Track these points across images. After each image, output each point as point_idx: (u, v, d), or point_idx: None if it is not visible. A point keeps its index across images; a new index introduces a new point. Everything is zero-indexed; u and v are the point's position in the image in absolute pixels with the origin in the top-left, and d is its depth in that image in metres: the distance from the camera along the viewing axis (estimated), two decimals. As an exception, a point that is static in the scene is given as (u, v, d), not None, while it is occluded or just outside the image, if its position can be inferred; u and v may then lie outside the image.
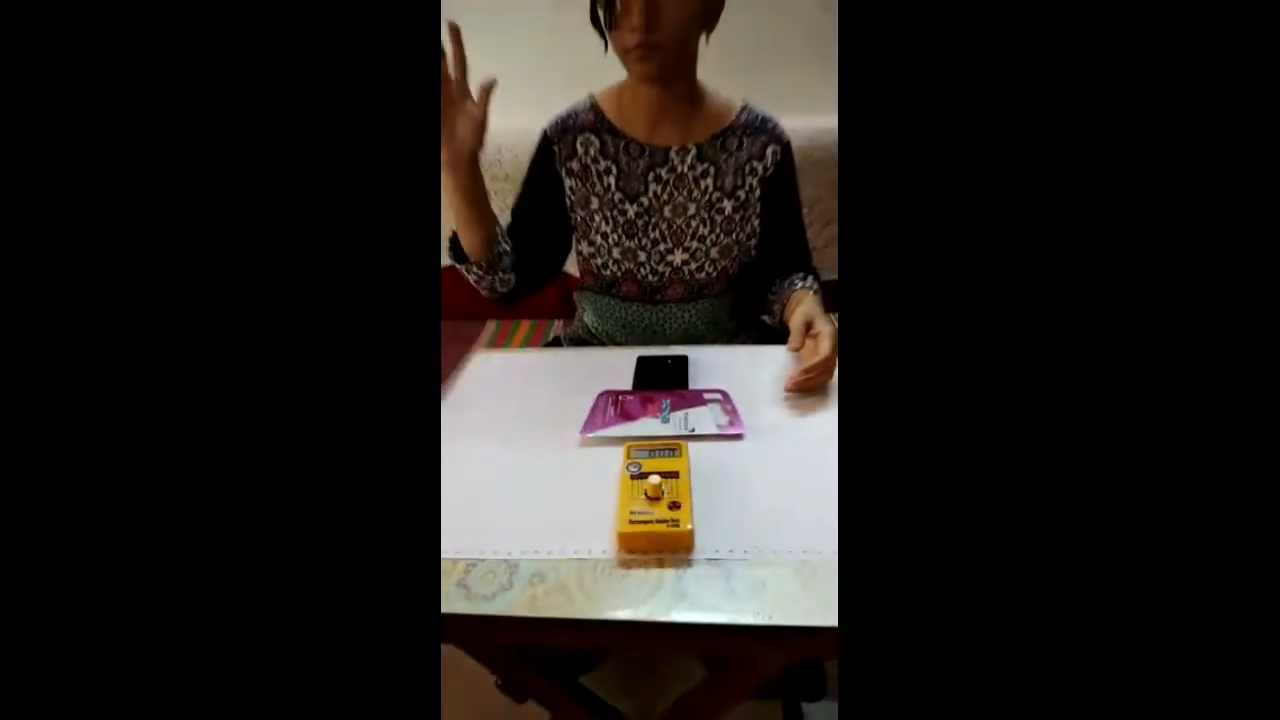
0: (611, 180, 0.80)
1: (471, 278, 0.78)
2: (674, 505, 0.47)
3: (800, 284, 0.78)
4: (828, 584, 0.42)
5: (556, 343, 0.94)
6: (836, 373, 0.65)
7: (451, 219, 0.73)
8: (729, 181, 0.80)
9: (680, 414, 0.61)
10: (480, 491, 0.53)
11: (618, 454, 0.53)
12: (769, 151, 0.80)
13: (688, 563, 0.45)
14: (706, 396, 0.64)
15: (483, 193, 0.71)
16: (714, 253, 0.82)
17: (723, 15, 0.74)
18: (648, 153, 0.79)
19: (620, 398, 0.65)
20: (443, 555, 0.46)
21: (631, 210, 0.80)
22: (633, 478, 0.49)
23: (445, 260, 0.70)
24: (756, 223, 0.82)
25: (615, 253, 0.83)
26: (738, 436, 0.58)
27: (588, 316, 0.91)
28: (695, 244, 0.82)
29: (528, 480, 0.54)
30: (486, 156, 1.18)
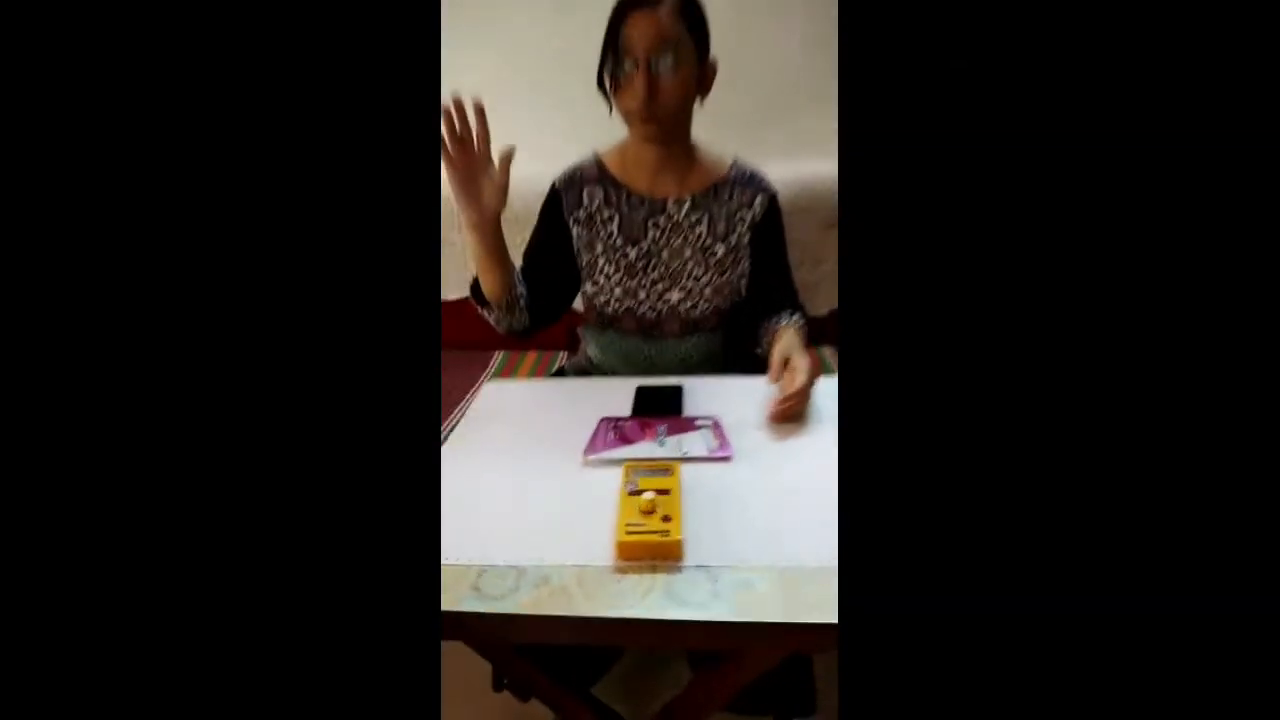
0: (614, 227, 0.87)
1: (491, 318, 0.86)
2: (666, 518, 0.52)
3: (785, 320, 0.86)
4: (808, 589, 0.47)
5: (561, 373, 1.02)
6: (834, 395, 0.69)
7: (473, 267, 0.81)
8: (721, 228, 0.87)
9: (675, 438, 0.67)
10: (492, 505, 0.59)
11: (617, 474, 0.59)
12: (757, 201, 0.88)
13: (678, 569, 0.50)
14: (699, 423, 0.70)
15: (503, 246, 0.79)
16: (707, 291, 0.89)
17: (714, 84, 0.83)
18: (647, 203, 0.87)
19: (620, 423, 0.71)
20: (457, 562, 0.51)
21: (632, 253, 0.88)
22: (630, 494, 0.55)
23: (455, 294, 0.74)
24: (746, 264, 0.89)
25: (617, 291, 0.90)
26: (726, 459, 0.64)
27: (591, 349, 0.98)
28: (690, 283, 0.89)
29: (535, 496, 0.60)
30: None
